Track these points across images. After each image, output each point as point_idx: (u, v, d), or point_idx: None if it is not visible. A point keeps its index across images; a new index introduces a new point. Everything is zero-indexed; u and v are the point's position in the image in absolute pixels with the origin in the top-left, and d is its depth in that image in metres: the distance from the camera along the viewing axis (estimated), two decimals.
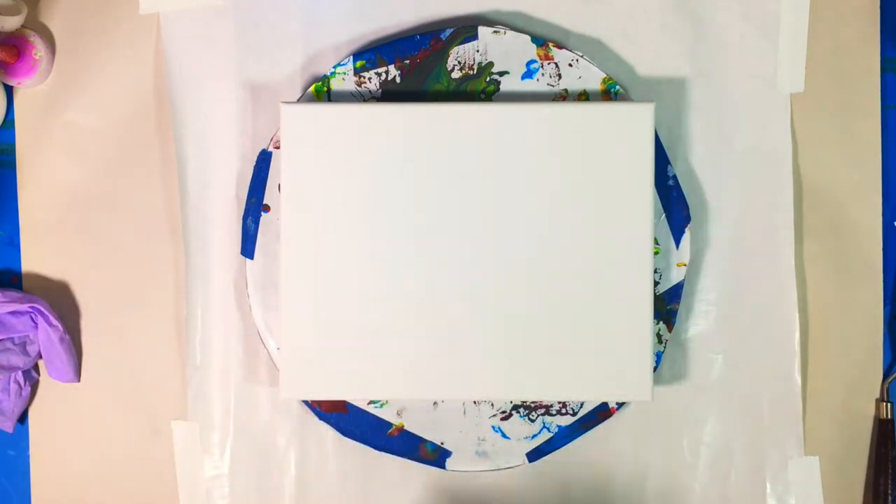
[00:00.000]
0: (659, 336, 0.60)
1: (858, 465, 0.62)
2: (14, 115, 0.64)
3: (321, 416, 0.61)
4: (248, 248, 0.61)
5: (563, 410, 0.60)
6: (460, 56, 0.60)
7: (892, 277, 0.63)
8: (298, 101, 0.60)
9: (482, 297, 0.57)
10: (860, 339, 0.62)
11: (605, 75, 0.60)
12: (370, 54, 0.60)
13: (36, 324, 0.61)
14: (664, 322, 0.60)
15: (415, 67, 0.60)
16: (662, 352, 0.60)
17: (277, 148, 0.60)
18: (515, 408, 0.61)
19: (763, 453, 0.61)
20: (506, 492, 0.62)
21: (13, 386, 0.62)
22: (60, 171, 0.63)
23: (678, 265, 0.60)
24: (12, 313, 0.61)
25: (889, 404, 0.61)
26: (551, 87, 0.60)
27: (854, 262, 0.62)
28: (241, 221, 0.61)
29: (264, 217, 0.61)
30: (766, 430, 0.61)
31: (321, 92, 0.60)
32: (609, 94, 0.60)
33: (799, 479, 0.61)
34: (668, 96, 0.62)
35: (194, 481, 0.62)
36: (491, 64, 0.60)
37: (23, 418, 0.64)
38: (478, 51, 0.60)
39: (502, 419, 0.61)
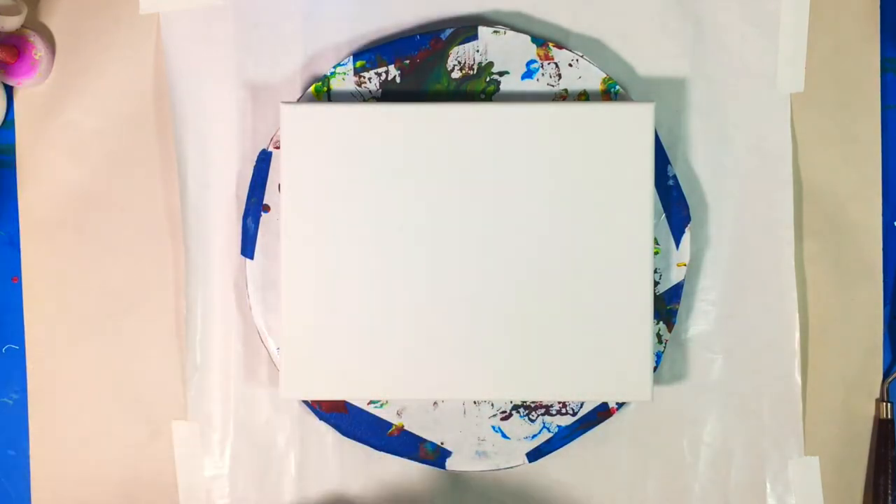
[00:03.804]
0: (659, 336, 0.60)
1: (858, 465, 0.62)
2: (14, 115, 0.64)
3: (321, 416, 0.61)
4: (248, 248, 0.61)
5: (563, 410, 0.60)
6: (460, 56, 0.60)
7: (892, 277, 0.63)
8: (298, 101, 0.60)
9: (482, 297, 0.57)
10: (860, 339, 0.62)
11: (605, 75, 0.60)
12: (370, 54, 0.60)
13: None
14: (664, 322, 0.60)
15: (415, 67, 0.60)
16: (662, 352, 0.60)
17: (277, 148, 0.60)
18: (515, 408, 0.61)
19: (763, 453, 0.61)
20: (506, 492, 0.62)
21: None
22: (60, 171, 0.63)
23: (678, 265, 0.60)
24: None
25: (889, 404, 0.61)
26: (551, 87, 0.60)
27: (854, 262, 0.62)
28: (241, 221, 0.61)
29: (264, 217, 0.61)
30: (766, 430, 0.61)
31: (321, 92, 0.60)
32: (609, 94, 0.60)
33: (799, 479, 0.61)
34: (668, 96, 0.62)
35: (194, 481, 0.62)
36: (491, 64, 0.60)
37: (22, 418, 0.64)
38: (478, 51, 0.60)
39: (502, 419, 0.61)
